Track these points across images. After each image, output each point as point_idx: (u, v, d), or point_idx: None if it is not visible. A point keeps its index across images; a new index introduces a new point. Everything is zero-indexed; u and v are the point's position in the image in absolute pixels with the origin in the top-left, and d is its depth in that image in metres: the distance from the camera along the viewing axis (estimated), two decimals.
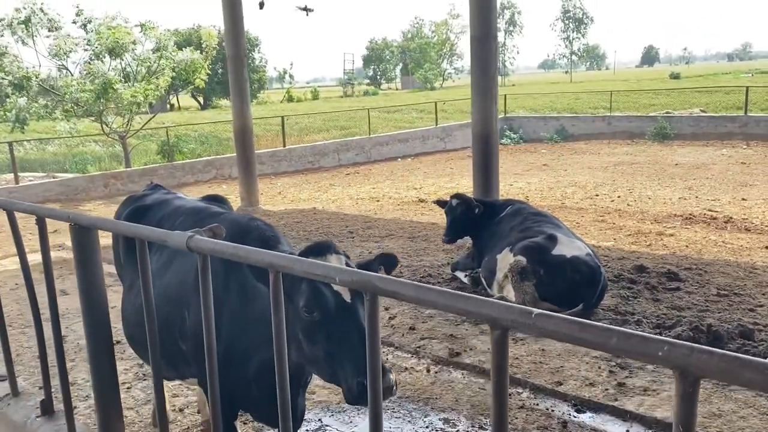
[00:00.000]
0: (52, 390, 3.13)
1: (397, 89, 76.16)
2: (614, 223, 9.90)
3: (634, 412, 4.07)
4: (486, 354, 5.09)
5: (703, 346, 0.99)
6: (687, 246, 8.25)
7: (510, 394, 4.48)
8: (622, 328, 1.09)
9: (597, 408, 4.19)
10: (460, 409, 4.27)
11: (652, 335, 1.06)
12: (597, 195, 12.89)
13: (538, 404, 4.32)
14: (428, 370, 4.91)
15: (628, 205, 11.59)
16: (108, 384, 2.69)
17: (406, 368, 4.96)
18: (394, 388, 2.40)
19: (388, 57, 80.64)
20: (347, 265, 2.50)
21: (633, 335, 1.06)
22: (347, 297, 2.39)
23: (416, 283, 1.43)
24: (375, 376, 1.60)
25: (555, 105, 34.44)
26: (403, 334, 5.60)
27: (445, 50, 76.25)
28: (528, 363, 4.89)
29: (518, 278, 5.72)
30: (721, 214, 10.21)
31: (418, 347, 5.30)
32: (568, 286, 5.60)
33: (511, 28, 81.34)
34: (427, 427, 4.08)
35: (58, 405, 3.12)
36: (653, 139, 22.23)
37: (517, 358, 4.99)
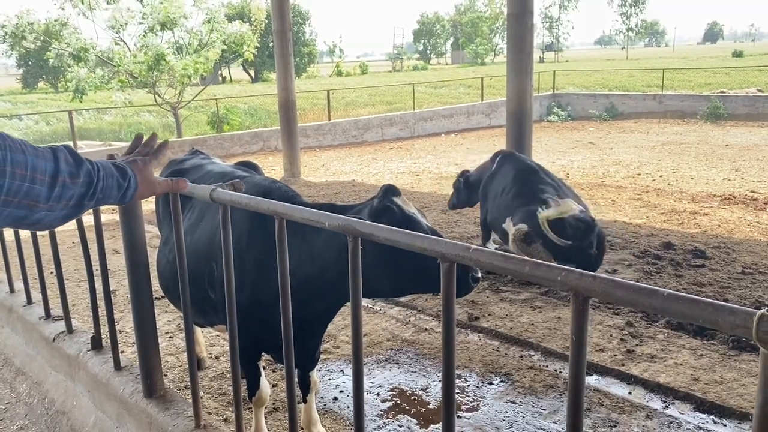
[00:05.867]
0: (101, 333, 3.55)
1: (447, 64, 75.57)
2: (650, 202, 9.89)
3: (638, 376, 4.27)
4: (503, 319, 5.34)
5: (591, 272, 1.24)
6: (719, 225, 8.24)
7: (522, 356, 4.73)
8: (535, 260, 1.34)
9: (604, 371, 4.40)
10: (472, 367, 4.54)
11: (556, 264, 1.31)
12: (639, 174, 12.79)
13: (547, 366, 4.56)
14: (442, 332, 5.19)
15: (668, 184, 11.50)
16: (148, 326, 3.06)
17: (426, 329, 5.26)
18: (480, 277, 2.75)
19: (438, 31, 79.99)
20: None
21: (541, 264, 1.31)
22: (425, 221, 2.88)
23: (388, 227, 1.70)
24: (356, 312, 1.88)
25: (607, 82, 33.75)
26: (426, 299, 5.88)
27: (497, 24, 75.01)
28: (543, 329, 5.12)
29: (524, 245, 5.97)
30: (763, 196, 10.07)
31: (440, 311, 5.56)
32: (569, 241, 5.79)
33: (566, 3, 79.37)
34: (440, 381, 4.36)
35: (106, 342, 3.54)
36: (705, 119, 21.68)
37: (533, 324, 5.23)
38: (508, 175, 6.59)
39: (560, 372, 4.45)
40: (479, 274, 2.73)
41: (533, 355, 4.74)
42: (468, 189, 7.37)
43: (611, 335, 4.92)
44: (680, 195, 10.44)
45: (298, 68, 45.51)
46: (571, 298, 1.27)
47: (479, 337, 5.10)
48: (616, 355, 4.59)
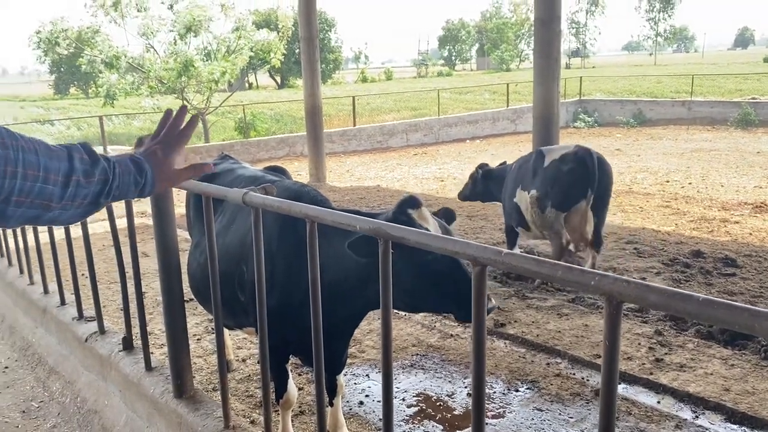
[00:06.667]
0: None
1: (472, 70, 75.49)
2: (678, 209, 9.76)
3: (667, 385, 4.21)
4: (529, 326, 5.31)
5: (624, 277, 1.24)
6: (751, 234, 8.09)
7: (548, 363, 4.70)
8: (567, 264, 1.35)
9: (632, 380, 4.35)
10: (498, 374, 4.52)
11: (589, 269, 1.31)
12: (667, 181, 12.64)
13: (574, 374, 4.52)
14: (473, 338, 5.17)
15: (698, 192, 11.34)
16: (179, 327, 3.11)
17: (452, 335, 5.24)
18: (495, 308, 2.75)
19: (464, 37, 79.93)
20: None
21: (574, 269, 1.32)
22: (436, 230, 2.80)
23: (418, 230, 1.72)
24: (387, 318, 1.88)
25: (634, 88, 33.38)
26: None
27: (523, 30, 74.63)
28: (570, 336, 5.08)
29: (539, 211, 6.02)
30: None
31: None
32: (569, 178, 5.88)
33: (593, 9, 78.62)
34: (465, 387, 4.36)
35: (137, 343, 3.60)
36: (736, 126, 21.33)
37: (559, 331, 5.19)
38: (516, 162, 6.78)
39: (588, 380, 4.41)
40: (491, 305, 2.64)
41: (560, 363, 4.71)
42: (485, 181, 7.23)
43: (639, 343, 4.86)
44: (710, 202, 10.29)
45: (323, 75, 45.77)
46: (605, 302, 1.27)
47: (506, 343, 5.07)
48: (644, 364, 4.53)
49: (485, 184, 7.24)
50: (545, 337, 5.08)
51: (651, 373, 4.39)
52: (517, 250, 7.09)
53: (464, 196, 7.67)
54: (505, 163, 7.59)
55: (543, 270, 1.38)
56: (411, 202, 2.85)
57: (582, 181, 5.86)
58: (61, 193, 1.35)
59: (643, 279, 6.41)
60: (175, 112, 1.73)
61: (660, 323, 5.23)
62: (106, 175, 1.44)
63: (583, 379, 4.44)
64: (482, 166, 7.43)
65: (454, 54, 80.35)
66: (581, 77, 28.59)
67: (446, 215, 3.15)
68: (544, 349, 4.91)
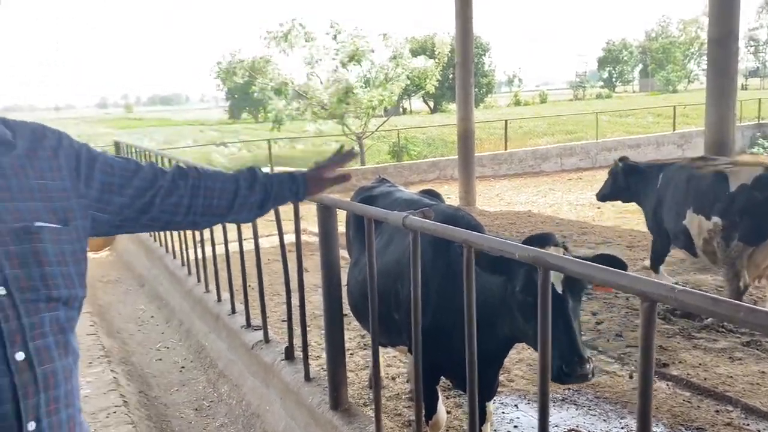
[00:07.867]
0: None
1: (634, 92, 71.83)
2: None
3: None
4: (695, 368, 4.91)
5: None
6: None
7: (717, 411, 4.31)
8: (750, 305, 1.26)
9: None
10: (659, 417, 4.22)
11: None
12: None
13: (748, 425, 4.10)
14: (631, 377, 4.88)
15: None
16: (338, 342, 3.27)
17: (608, 372, 4.99)
18: (590, 375, 2.48)
19: (625, 58, 76.40)
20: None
21: (759, 311, 1.23)
22: (559, 288, 2.55)
23: (580, 260, 1.68)
24: (545, 351, 1.85)
25: None
26: (608, 340, 5.59)
27: (692, 50, 69.78)
28: (743, 383, 4.63)
29: (723, 243, 5.40)
30: None
31: (623, 354, 5.27)
32: (765, 208, 5.15)
33: None
34: (622, 427, 4.12)
35: (297, 354, 3.83)
36: None
37: (731, 376, 4.75)
38: (682, 170, 5.98)
39: None
40: (579, 372, 2.41)
41: (731, 411, 4.30)
42: (626, 178, 6.56)
43: None
44: None
45: (476, 98, 45.85)
46: None
47: (668, 385, 4.73)
48: None
49: (626, 181, 6.60)
50: (714, 382, 4.67)
51: None
52: (664, 276, 6.49)
53: (603, 195, 7.12)
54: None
55: (721, 310, 1.30)
56: (537, 239, 2.68)
57: None
58: (231, 204, 1.77)
59: None
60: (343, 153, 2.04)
61: None
62: (265, 188, 1.84)
63: (758, 431, 4.02)
64: (623, 159, 6.77)
65: (614, 75, 76.98)
66: (760, 99, 26.10)
67: (610, 263, 2.87)
68: (712, 395, 4.52)
